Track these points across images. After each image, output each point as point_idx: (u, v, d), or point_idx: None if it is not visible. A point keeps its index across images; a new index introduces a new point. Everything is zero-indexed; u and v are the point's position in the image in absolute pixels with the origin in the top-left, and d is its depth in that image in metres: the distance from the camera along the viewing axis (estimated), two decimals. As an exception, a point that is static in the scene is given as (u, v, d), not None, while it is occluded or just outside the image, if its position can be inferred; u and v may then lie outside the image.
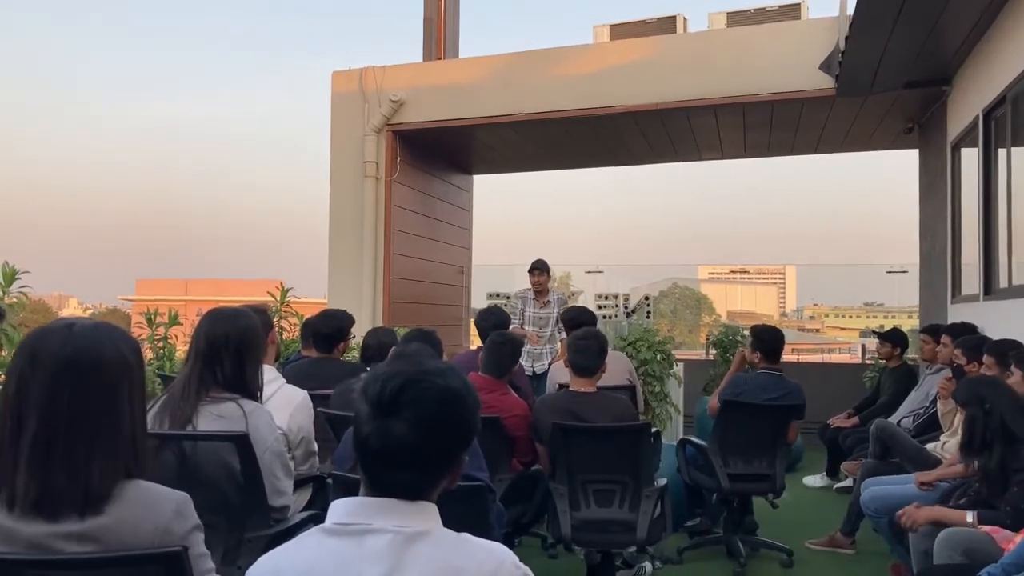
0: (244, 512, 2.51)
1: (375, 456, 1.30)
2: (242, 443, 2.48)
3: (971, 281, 5.94)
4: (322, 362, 4.36)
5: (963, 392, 3.40)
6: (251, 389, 2.69)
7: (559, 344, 7.22)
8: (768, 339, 4.77)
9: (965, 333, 5.08)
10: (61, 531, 1.45)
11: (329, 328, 4.41)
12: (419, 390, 1.31)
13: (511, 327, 6.54)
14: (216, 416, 2.56)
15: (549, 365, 6.95)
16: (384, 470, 1.31)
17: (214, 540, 1.68)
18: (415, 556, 1.26)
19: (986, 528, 2.94)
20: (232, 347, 2.64)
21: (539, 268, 7.17)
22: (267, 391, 2.86)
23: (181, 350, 5.77)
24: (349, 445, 2.64)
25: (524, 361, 6.40)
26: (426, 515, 1.32)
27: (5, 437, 1.48)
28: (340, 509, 1.32)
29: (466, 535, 1.33)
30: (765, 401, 4.52)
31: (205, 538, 1.63)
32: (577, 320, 5.32)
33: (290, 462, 2.80)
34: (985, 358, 4.16)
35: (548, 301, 7.22)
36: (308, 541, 1.32)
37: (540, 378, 6.68)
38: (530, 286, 7.26)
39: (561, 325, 6.97)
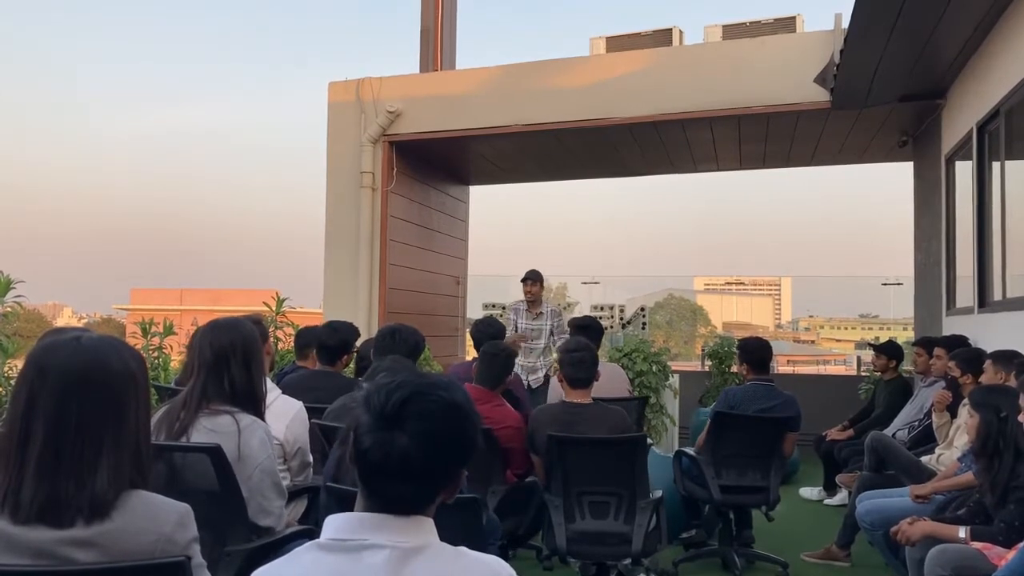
0: (222, 525, 2.48)
1: (375, 467, 1.29)
2: (216, 455, 2.44)
3: (966, 293, 5.95)
4: (321, 375, 4.35)
5: (978, 396, 3.39)
6: (259, 396, 2.68)
7: (555, 358, 7.20)
8: (753, 350, 4.81)
9: (958, 346, 5.10)
10: (65, 537, 1.48)
11: (334, 340, 4.40)
12: (424, 402, 1.30)
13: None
14: (209, 430, 2.55)
15: (545, 378, 6.93)
16: (383, 482, 1.30)
17: (202, 553, 1.69)
18: (412, 572, 1.25)
19: (978, 545, 2.93)
20: (239, 355, 2.63)
21: (532, 278, 7.09)
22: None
23: (176, 360, 5.74)
24: (333, 460, 2.63)
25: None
26: (423, 530, 1.31)
27: (13, 448, 1.51)
28: (336, 524, 1.31)
29: (463, 549, 1.33)
30: (755, 412, 4.53)
31: None
32: (585, 325, 5.33)
33: (283, 482, 2.74)
34: (987, 364, 4.19)
35: (541, 312, 7.15)
36: (303, 557, 1.30)
37: (535, 392, 6.64)
38: (523, 297, 7.24)
39: (555, 339, 6.99)
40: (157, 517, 1.56)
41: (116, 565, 1.50)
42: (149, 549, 1.53)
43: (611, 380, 5.04)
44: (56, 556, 1.47)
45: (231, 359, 2.62)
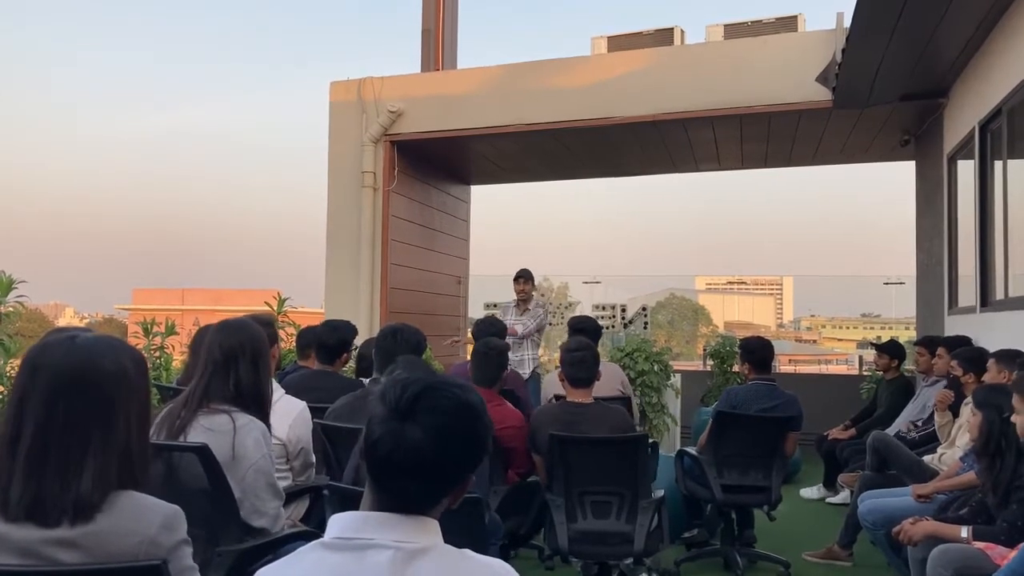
0: (214, 525, 2.47)
1: (385, 460, 1.29)
2: (204, 455, 2.43)
3: (967, 293, 5.95)
4: (323, 375, 4.35)
5: (981, 396, 3.39)
6: (265, 397, 2.68)
7: (540, 351, 7.31)
8: (754, 349, 4.81)
9: (960, 345, 5.09)
10: (50, 537, 1.47)
11: (332, 339, 4.41)
12: (437, 398, 1.31)
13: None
14: (206, 429, 2.54)
15: (532, 372, 7.00)
16: (392, 477, 1.30)
17: (195, 553, 1.67)
18: (416, 573, 1.25)
19: (980, 545, 2.93)
20: (248, 356, 2.64)
21: (523, 277, 7.24)
22: None
23: (178, 360, 5.74)
24: (352, 466, 2.62)
25: None
26: (428, 531, 1.31)
27: (3, 446, 1.50)
28: (340, 523, 1.31)
29: (467, 551, 1.33)
30: (757, 412, 4.53)
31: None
32: (581, 327, 5.33)
33: (279, 483, 2.71)
34: (990, 363, 4.19)
35: (527, 309, 7.26)
36: (307, 556, 1.30)
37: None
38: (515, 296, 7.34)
39: (537, 336, 7.17)
40: (142, 519, 1.54)
41: (93, 567, 1.48)
42: (132, 551, 1.51)
43: (605, 379, 5.03)
44: (41, 556, 1.46)
45: (240, 359, 2.62)
